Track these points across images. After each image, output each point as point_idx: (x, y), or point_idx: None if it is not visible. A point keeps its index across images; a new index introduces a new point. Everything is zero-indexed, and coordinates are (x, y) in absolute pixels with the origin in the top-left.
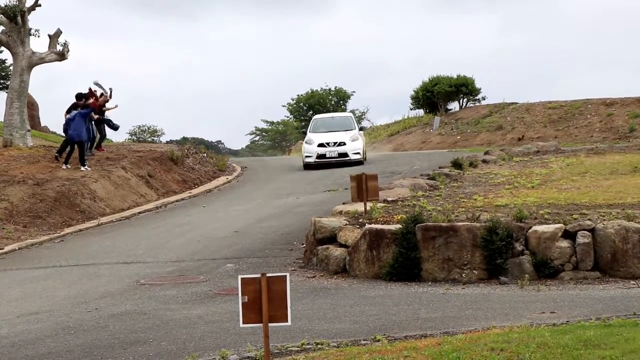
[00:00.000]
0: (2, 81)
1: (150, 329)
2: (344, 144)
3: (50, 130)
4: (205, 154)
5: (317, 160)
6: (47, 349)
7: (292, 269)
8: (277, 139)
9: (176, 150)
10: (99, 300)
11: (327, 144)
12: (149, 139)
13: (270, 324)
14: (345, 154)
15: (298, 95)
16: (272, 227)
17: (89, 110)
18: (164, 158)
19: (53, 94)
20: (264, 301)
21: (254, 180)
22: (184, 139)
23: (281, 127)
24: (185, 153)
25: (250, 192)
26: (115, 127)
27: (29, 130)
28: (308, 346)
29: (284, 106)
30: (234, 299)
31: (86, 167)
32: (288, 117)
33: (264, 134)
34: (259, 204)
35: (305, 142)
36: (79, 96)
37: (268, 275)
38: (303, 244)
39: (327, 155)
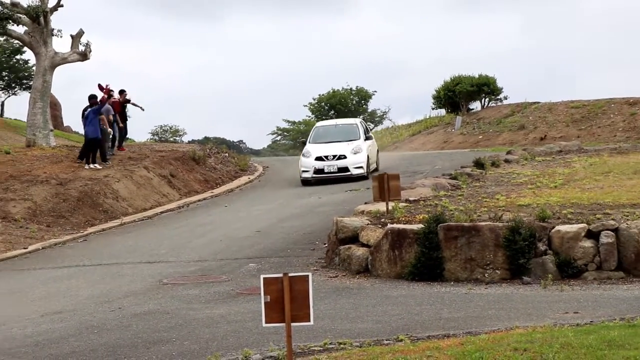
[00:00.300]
0: (25, 81)
1: (173, 329)
2: (345, 157)
3: (73, 130)
4: (227, 154)
5: (314, 175)
6: (71, 348)
7: (315, 268)
8: (298, 138)
9: (198, 150)
10: (122, 300)
11: (326, 157)
12: (171, 139)
13: (292, 324)
14: (345, 169)
15: (319, 94)
16: (294, 227)
17: (99, 107)
18: (186, 158)
19: (75, 94)
20: (287, 301)
21: (276, 180)
22: (206, 138)
23: (303, 126)
24: (207, 153)
25: (272, 191)
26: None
27: (51, 130)
28: (331, 346)
29: (306, 106)
30: (257, 298)
31: (95, 165)
32: (309, 116)
33: (285, 133)
34: (280, 203)
35: (302, 155)
36: (91, 97)
37: (290, 274)
38: (325, 244)
39: (326, 170)
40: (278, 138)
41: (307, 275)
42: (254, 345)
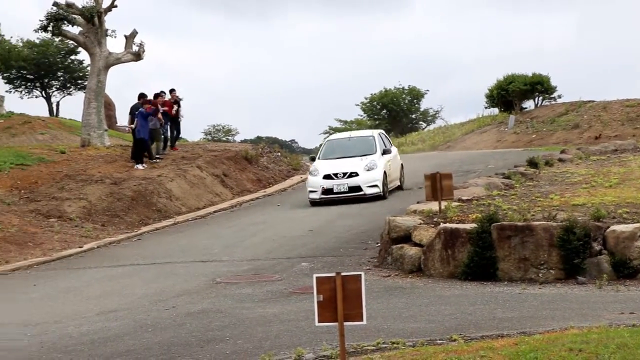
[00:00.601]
0: (80, 81)
1: (227, 327)
2: (356, 174)
3: (126, 129)
4: (279, 153)
5: (323, 196)
6: (126, 347)
7: (367, 268)
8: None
9: (250, 150)
10: (176, 299)
11: (335, 175)
12: (224, 139)
13: (345, 323)
14: (357, 188)
15: (371, 94)
16: (346, 226)
17: (147, 113)
18: (238, 157)
19: (129, 94)
20: (339, 300)
21: None
22: (258, 138)
23: (355, 126)
24: (259, 152)
25: None
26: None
27: (106, 130)
28: (384, 345)
29: (358, 105)
30: (309, 297)
31: (143, 165)
32: (362, 116)
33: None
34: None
35: (310, 173)
36: (140, 96)
37: (343, 274)
38: (377, 243)
39: (335, 190)
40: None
41: (360, 275)
42: (306, 344)
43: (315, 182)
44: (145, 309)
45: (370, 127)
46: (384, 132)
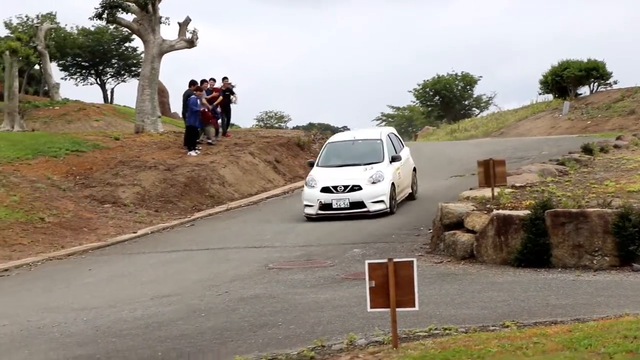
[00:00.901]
0: (133, 69)
1: (279, 313)
2: (359, 188)
3: (180, 116)
4: None
5: (320, 212)
6: (180, 331)
7: (419, 254)
8: (403, 124)
9: (303, 136)
10: (228, 284)
11: (335, 188)
12: (276, 125)
13: (397, 309)
14: (360, 204)
15: (424, 80)
16: (398, 212)
17: (193, 99)
18: (290, 144)
19: (182, 81)
20: (391, 286)
21: None
22: (310, 124)
23: (407, 112)
24: (311, 138)
25: None
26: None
27: (159, 117)
28: (436, 331)
29: (410, 91)
30: (361, 283)
31: (194, 152)
32: (414, 102)
33: (389, 119)
34: None
35: (306, 184)
36: (191, 83)
37: (395, 260)
38: (430, 230)
39: (335, 206)
40: (382, 124)
41: (412, 261)
42: (359, 329)
43: (312, 196)
44: (198, 294)
45: (423, 114)
46: (394, 131)
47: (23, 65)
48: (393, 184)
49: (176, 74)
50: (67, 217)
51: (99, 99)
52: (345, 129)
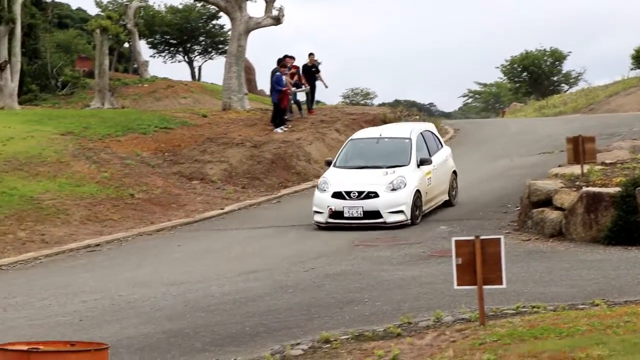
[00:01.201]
0: (220, 46)
1: (365, 289)
2: (375, 195)
3: (266, 93)
4: (417, 117)
5: (330, 220)
6: (267, 306)
7: (506, 231)
8: (490, 101)
9: (389, 113)
10: (314, 261)
11: (348, 194)
12: (362, 102)
13: (484, 286)
14: (376, 213)
15: (512, 56)
16: (485, 190)
17: (277, 77)
18: (376, 121)
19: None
20: (478, 263)
21: (467, 143)
22: (396, 101)
23: (494, 89)
24: (397, 115)
25: (462, 154)
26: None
27: (246, 94)
28: (524, 309)
29: (497, 68)
30: (448, 261)
31: (281, 128)
32: (501, 78)
33: (476, 96)
34: (471, 166)
35: (317, 187)
36: (279, 60)
37: (482, 237)
38: (517, 207)
39: (346, 214)
40: (469, 100)
41: (499, 238)
42: (445, 307)
43: (323, 201)
44: (285, 270)
45: (510, 90)
46: (432, 128)
47: (113, 44)
48: (418, 191)
49: (263, 51)
50: (156, 194)
51: (187, 77)
52: (431, 105)
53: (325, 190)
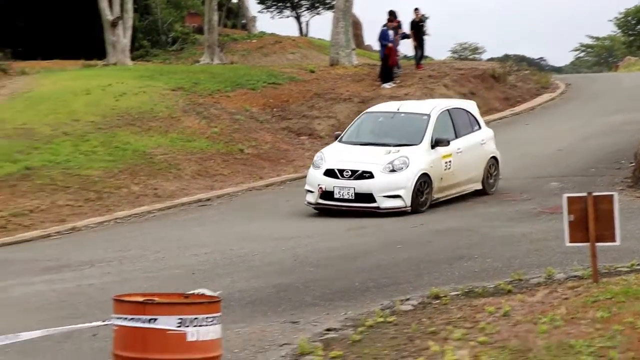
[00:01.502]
0: (328, 1)
1: (474, 246)
2: (370, 175)
3: (374, 49)
4: (527, 72)
5: (320, 201)
6: (376, 262)
7: (620, 188)
8: (603, 54)
9: (498, 68)
10: (422, 217)
11: (341, 172)
12: (470, 57)
13: (597, 244)
14: (368, 197)
15: (626, 9)
16: (597, 146)
17: (382, 32)
18: (485, 76)
19: (376, 14)
20: (591, 220)
21: (579, 98)
22: (506, 56)
23: (607, 42)
24: (507, 70)
25: (574, 109)
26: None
27: (353, 49)
28: (638, 267)
29: (611, 20)
30: (559, 217)
31: (388, 84)
32: (615, 32)
33: (588, 50)
34: (583, 121)
35: (312, 164)
36: (390, 13)
37: (595, 194)
38: (632, 163)
39: (336, 195)
40: (581, 55)
41: (613, 195)
42: (556, 264)
43: (314, 179)
44: (392, 226)
45: (624, 44)
46: (469, 106)
47: None
48: (426, 174)
49: (370, 5)
50: (264, 149)
51: (295, 32)
52: (542, 60)
53: (319, 167)
